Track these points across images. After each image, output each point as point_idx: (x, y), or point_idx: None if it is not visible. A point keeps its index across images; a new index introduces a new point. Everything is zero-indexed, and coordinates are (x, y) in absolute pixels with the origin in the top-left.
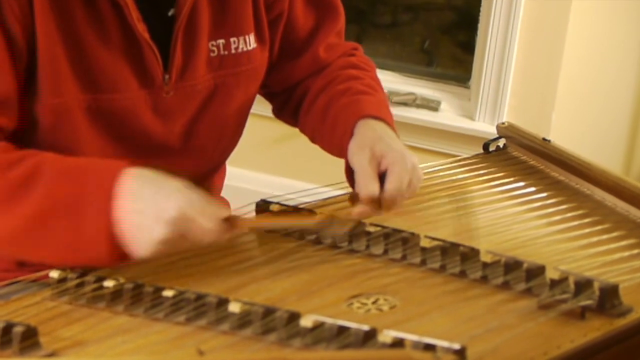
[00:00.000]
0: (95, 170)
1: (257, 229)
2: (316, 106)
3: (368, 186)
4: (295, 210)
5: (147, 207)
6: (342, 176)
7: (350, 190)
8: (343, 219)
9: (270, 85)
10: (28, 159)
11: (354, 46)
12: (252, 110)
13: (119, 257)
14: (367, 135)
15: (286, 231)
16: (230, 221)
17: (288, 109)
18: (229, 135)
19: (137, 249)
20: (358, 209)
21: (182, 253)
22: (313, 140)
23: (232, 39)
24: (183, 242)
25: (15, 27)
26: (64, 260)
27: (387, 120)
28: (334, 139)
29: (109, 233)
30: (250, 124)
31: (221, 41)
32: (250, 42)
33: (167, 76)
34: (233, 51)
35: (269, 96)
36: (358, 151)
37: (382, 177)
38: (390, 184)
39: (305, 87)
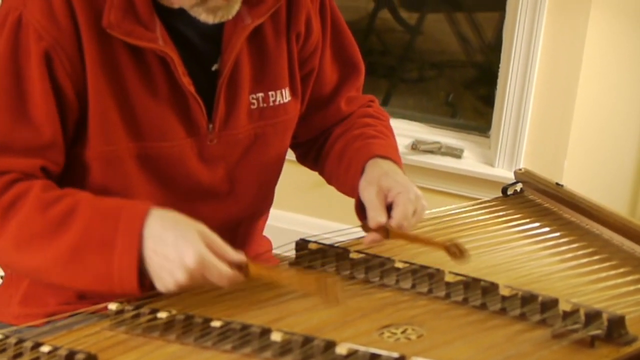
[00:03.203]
0: (126, 212)
1: (265, 278)
2: (334, 151)
3: (376, 217)
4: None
5: (169, 252)
6: None
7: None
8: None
9: (296, 135)
10: (66, 198)
11: (370, 98)
12: (292, 157)
13: (147, 288)
14: (374, 172)
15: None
16: (243, 268)
17: (311, 156)
18: (268, 180)
19: (161, 286)
20: (369, 237)
21: (216, 287)
22: (329, 182)
23: (270, 93)
24: (203, 281)
25: (65, 81)
26: (98, 290)
27: (394, 159)
28: (347, 180)
29: (137, 269)
30: (290, 170)
31: (260, 95)
32: (286, 95)
33: (211, 126)
34: (271, 104)
35: (293, 145)
36: (367, 186)
37: (390, 208)
38: (396, 213)
39: (325, 135)
